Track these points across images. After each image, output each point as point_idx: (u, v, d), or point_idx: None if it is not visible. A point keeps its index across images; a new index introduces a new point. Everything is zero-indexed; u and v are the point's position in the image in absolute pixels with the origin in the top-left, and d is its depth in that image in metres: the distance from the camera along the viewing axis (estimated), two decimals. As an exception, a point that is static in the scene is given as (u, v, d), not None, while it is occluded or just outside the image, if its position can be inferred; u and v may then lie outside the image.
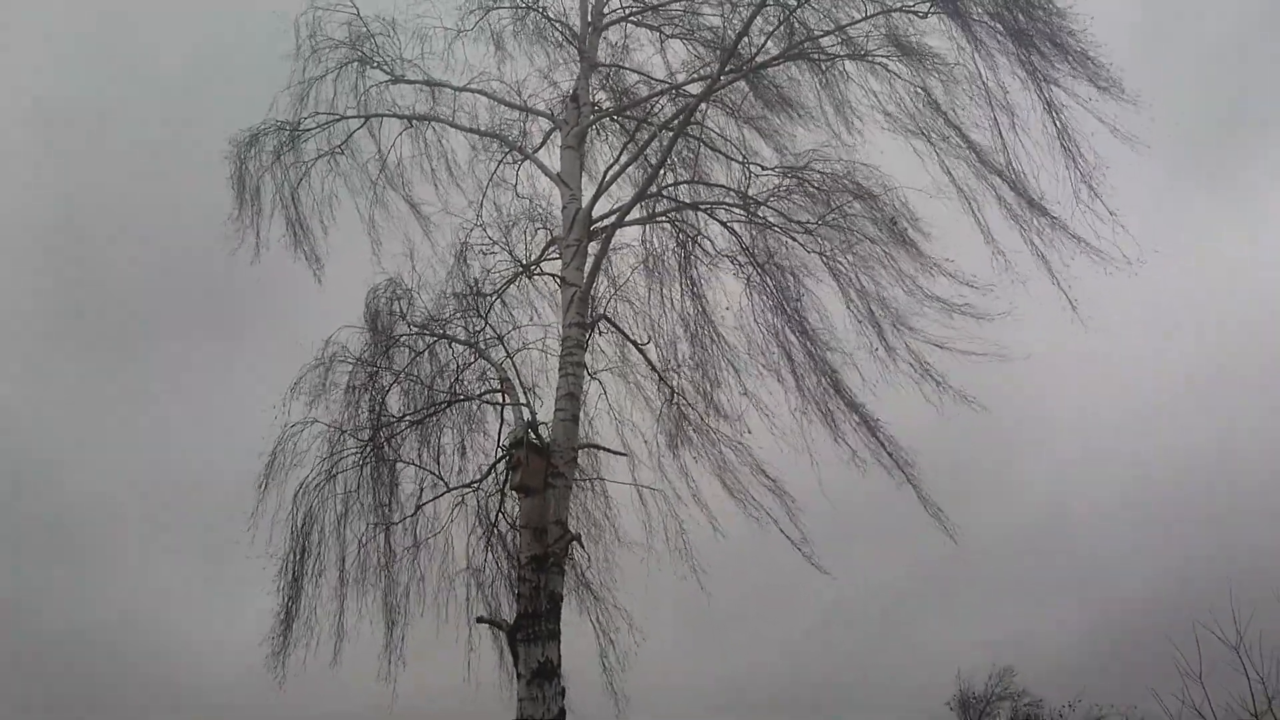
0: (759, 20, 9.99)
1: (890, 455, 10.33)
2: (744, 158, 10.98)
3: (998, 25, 9.41)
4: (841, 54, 10.24)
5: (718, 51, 11.23)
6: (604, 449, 10.70)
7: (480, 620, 9.68)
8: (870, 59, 10.20)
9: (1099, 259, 9.38)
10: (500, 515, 10.77)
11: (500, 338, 10.56)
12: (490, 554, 11.05)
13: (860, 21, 10.00)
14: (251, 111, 12.09)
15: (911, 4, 9.63)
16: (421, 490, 10.67)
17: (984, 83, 9.74)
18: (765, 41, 10.10)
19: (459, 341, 10.89)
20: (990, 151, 9.95)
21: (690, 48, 12.21)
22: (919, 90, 10.15)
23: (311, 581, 10.25)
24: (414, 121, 12.45)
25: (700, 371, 11.28)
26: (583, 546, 10.08)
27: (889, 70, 10.17)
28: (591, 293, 10.33)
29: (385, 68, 12.35)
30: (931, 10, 9.55)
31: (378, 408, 10.65)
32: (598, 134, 12.32)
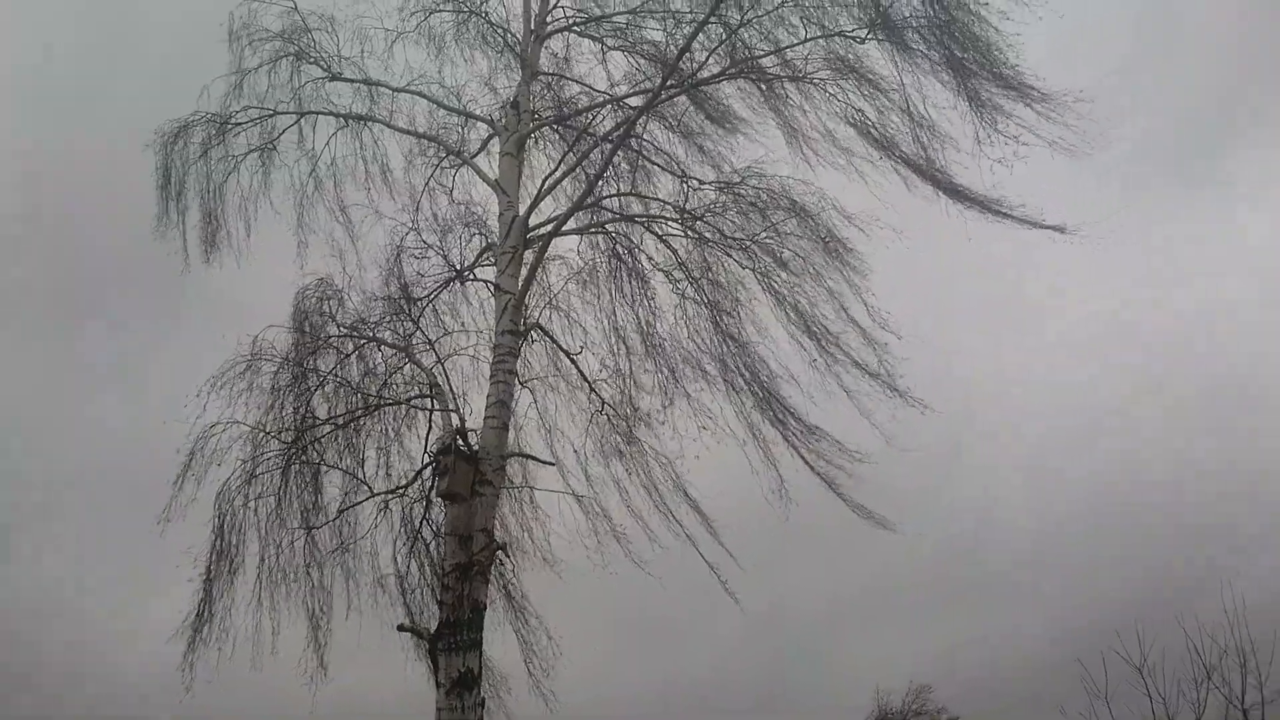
0: (701, 37, 10.10)
1: (817, 473, 10.48)
2: (682, 172, 11.03)
3: (934, 53, 9.64)
4: (781, 75, 10.39)
5: (659, 65, 11.30)
6: (533, 458, 10.68)
7: (401, 628, 9.57)
8: (809, 80, 10.36)
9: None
10: (425, 522, 10.69)
11: (431, 343, 10.48)
12: (415, 561, 10.95)
13: (799, 44, 10.18)
14: (184, 100, 11.87)
15: (850, 30, 9.83)
16: (345, 495, 10.52)
17: (915, 105, 9.98)
18: (707, 58, 10.20)
19: (389, 345, 10.77)
20: (925, 167, 10.19)
21: (632, 60, 12.25)
22: (856, 111, 10.33)
23: (228, 583, 10.05)
24: (350, 121, 12.26)
25: (633, 383, 11.29)
26: (508, 555, 10.03)
27: (827, 92, 10.33)
28: (525, 301, 10.29)
29: (322, 64, 12.17)
30: (869, 37, 9.76)
31: (303, 409, 10.46)
32: (537, 142, 12.30)
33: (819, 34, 10.01)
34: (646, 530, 11.02)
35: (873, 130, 10.27)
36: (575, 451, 11.17)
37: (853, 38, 9.92)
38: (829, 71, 10.19)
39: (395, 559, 10.62)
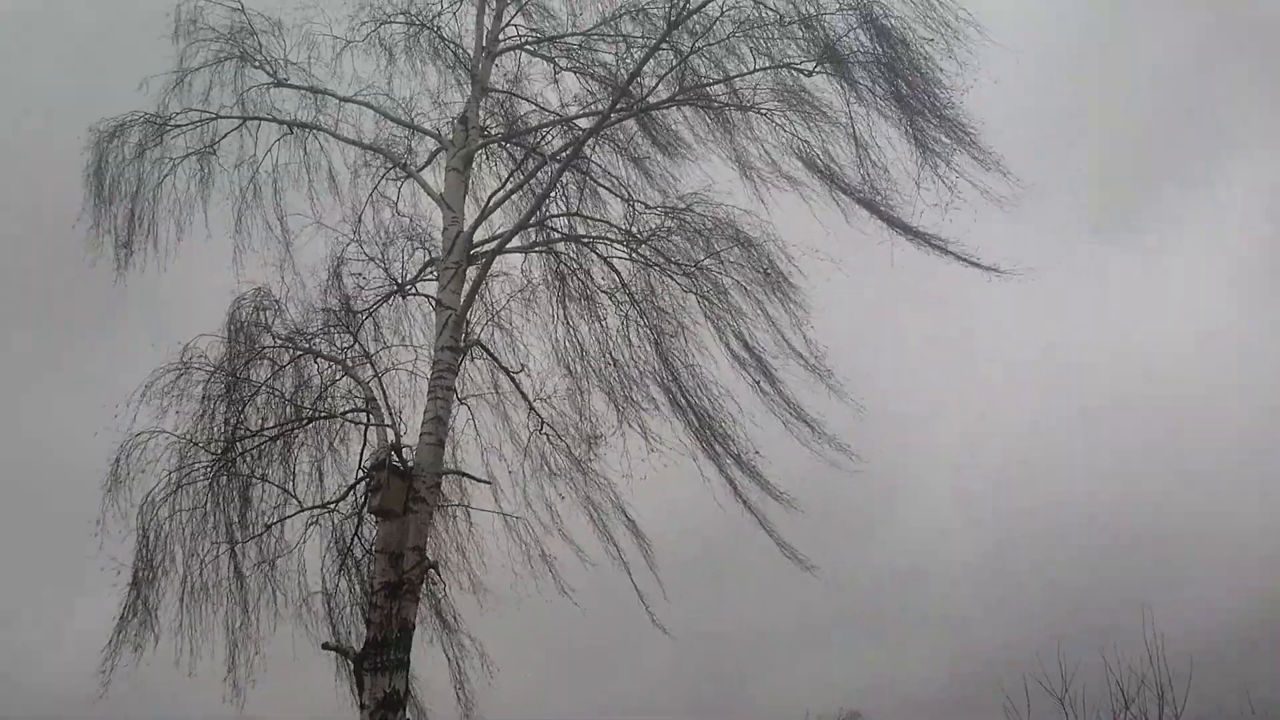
0: (652, 62, 10.19)
1: (745, 503, 10.54)
2: (629, 195, 11.08)
3: (879, 88, 9.82)
4: (729, 103, 10.51)
5: (610, 88, 11.36)
6: (468, 476, 10.56)
7: (326, 647, 9.37)
8: (757, 110, 10.49)
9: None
10: (357, 539, 10.51)
11: (369, 356, 10.33)
12: (345, 579, 10.76)
13: (749, 74, 10.31)
14: (121, 92, 11.61)
15: (798, 62, 9.99)
16: (275, 508, 10.30)
17: (862, 136, 10.15)
18: (657, 84, 10.29)
19: (325, 357, 10.58)
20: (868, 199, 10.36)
21: (583, 82, 12.31)
22: (802, 142, 10.48)
23: (152, 596, 9.76)
24: (294, 128, 12.09)
25: (571, 404, 11.26)
26: (439, 574, 9.90)
27: (774, 122, 10.46)
28: (467, 317, 10.22)
29: (268, 69, 12.01)
30: (817, 69, 9.92)
31: (234, 420, 10.23)
32: (485, 159, 12.25)
33: (767, 64, 10.16)
34: (579, 554, 10.99)
35: (817, 161, 10.43)
36: (511, 472, 11.11)
37: (800, 70, 10.08)
38: (776, 102, 10.34)
39: (324, 576, 10.41)
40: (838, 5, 9.63)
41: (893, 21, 9.62)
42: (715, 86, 10.46)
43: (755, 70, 10.25)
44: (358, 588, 10.48)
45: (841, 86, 9.89)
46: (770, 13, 9.86)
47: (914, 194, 9.81)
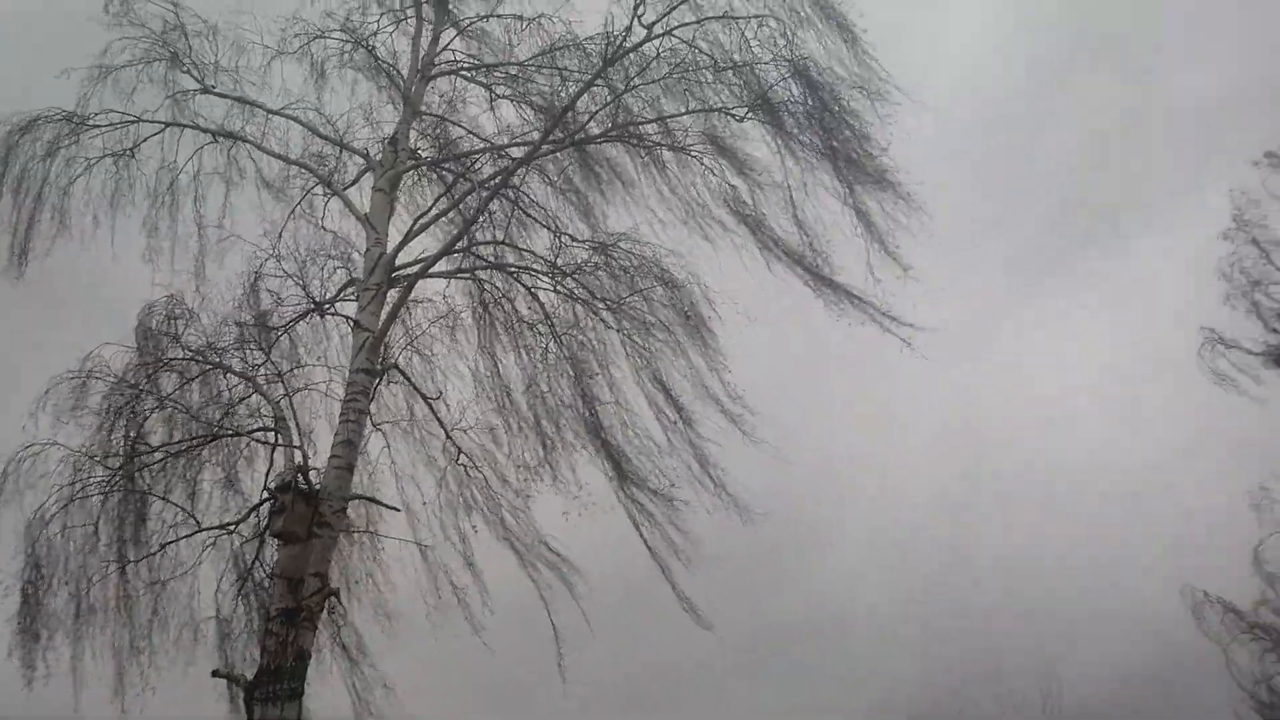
0: (586, 97, 10.25)
1: (650, 551, 10.52)
2: (557, 227, 11.05)
3: (806, 138, 10.01)
4: (661, 143, 10.59)
5: (545, 118, 11.36)
6: (376, 502, 10.33)
7: (216, 674, 9.02)
8: (688, 152, 10.59)
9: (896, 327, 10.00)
10: (258, 562, 10.21)
11: (281, 374, 10.09)
12: (242, 603, 10.43)
13: (682, 115, 10.41)
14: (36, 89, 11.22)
15: (731, 107, 10.12)
16: (171, 528, 9.95)
17: (791, 186, 10.31)
18: (589, 119, 10.33)
19: (235, 373, 10.32)
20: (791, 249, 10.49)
21: (519, 111, 12.29)
22: (730, 187, 10.60)
23: (39, 618, 9.38)
24: (220, 137, 11.82)
25: (490, 434, 11.13)
26: (340, 602, 9.64)
27: (704, 165, 10.58)
28: (386, 340, 10.06)
29: (196, 74, 11.74)
30: (748, 115, 10.07)
31: (134, 434, 9.89)
32: (414, 182, 12.14)
33: (700, 108, 10.27)
34: (482, 591, 10.83)
35: (744, 208, 10.56)
36: (425, 503, 10.92)
37: (732, 115, 10.21)
38: (707, 145, 10.45)
39: (217, 599, 10.09)
40: (771, 55, 9.80)
41: (823, 76, 9.81)
42: (648, 126, 10.52)
43: (688, 112, 10.36)
44: (256, 614, 10.17)
45: (771, 134, 10.05)
46: (705, 57, 9.99)
47: (841, 244, 9.99)
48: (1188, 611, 15.86)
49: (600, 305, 10.83)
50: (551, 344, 10.99)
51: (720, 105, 10.34)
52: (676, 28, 9.83)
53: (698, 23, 9.84)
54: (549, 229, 11.05)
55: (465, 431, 11.02)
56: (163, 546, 9.80)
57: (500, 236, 10.98)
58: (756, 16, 9.69)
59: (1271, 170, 16.12)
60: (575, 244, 10.94)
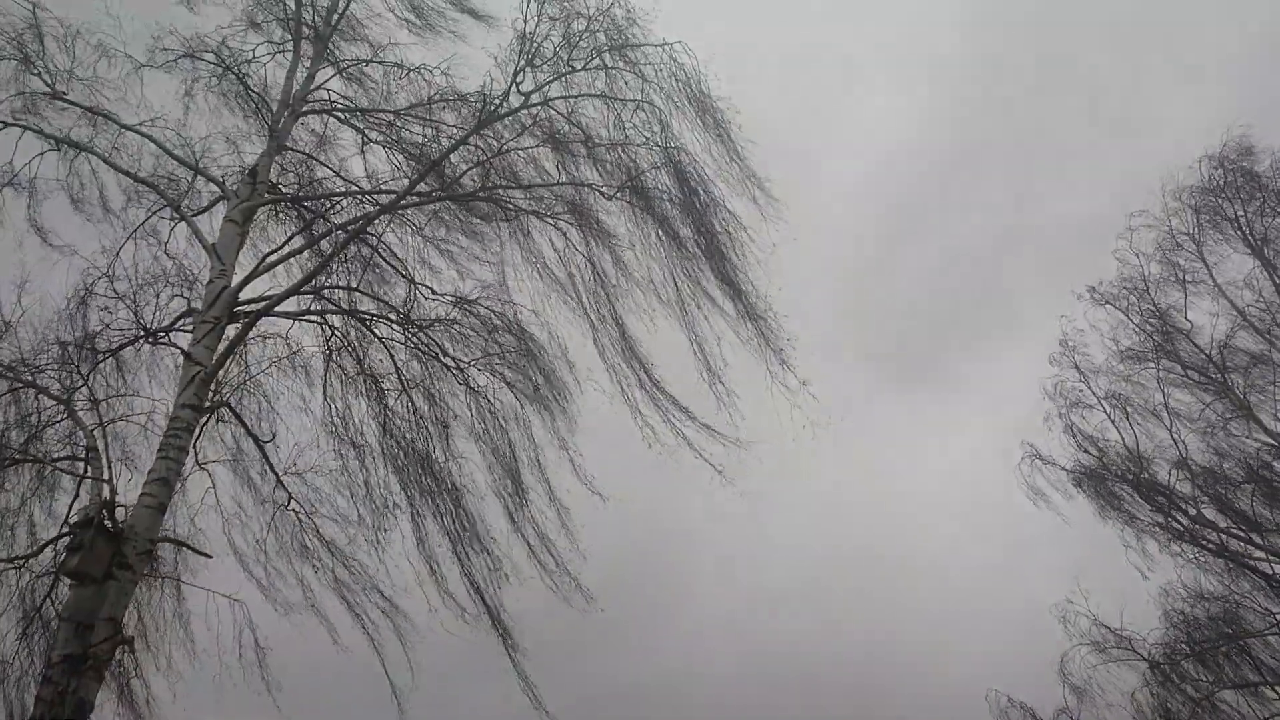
0: (460, 151, 10.25)
1: (499, 626, 10.32)
2: (414, 278, 10.90)
3: (668, 227, 10.27)
4: (528, 209, 10.65)
5: (415, 168, 11.28)
6: (188, 546, 9.73)
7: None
8: (553, 221, 10.68)
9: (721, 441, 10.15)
10: (50, 601, 9.45)
11: (97, 401, 9.49)
12: (26, 645, 9.61)
13: (552, 185, 10.53)
14: None
15: (601, 185, 10.31)
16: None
17: (650, 273, 10.53)
18: (461, 175, 10.32)
19: (48, 394, 9.64)
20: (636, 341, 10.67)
21: (390, 157, 12.15)
22: (589, 262, 10.73)
23: None
24: (64, 146, 11.21)
25: (327, 481, 10.73)
26: (133, 652, 8.98)
27: (568, 239, 10.68)
28: (219, 377, 9.60)
29: (47, 78, 11.14)
30: (616, 195, 10.27)
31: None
32: (270, 217, 11.75)
33: (570, 181, 10.42)
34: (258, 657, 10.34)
35: (603, 286, 10.68)
36: (251, 547, 10.41)
37: (601, 192, 10.39)
38: (573, 217, 10.57)
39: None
40: (644, 139, 10.06)
41: (693, 168, 10.13)
42: (516, 191, 10.58)
43: (557, 183, 10.48)
44: (40, 658, 9.39)
45: (638, 217, 10.26)
46: (577, 131, 10.17)
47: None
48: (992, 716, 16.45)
49: (451, 362, 10.69)
50: (399, 399, 10.73)
51: (589, 181, 10.53)
52: (554, 99, 9.99)
53: (574, 98, 10.03)
54: (406, 278, 10.90)
55: (300, 475, 10.62)
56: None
57: (354, 283, 10.75)
58: (633, 101, 9.96)
59: (1093, 304, 17.59)
60: (434, 297, 10.81)
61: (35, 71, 11.14)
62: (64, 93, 11.17)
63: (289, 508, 10.57)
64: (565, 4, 10.03)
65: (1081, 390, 17.13)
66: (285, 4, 12.63)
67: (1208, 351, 16.40)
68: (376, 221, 10.20)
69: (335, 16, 12.66)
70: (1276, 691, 14.36)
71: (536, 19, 9.76)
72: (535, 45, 9.76)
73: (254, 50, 12.38)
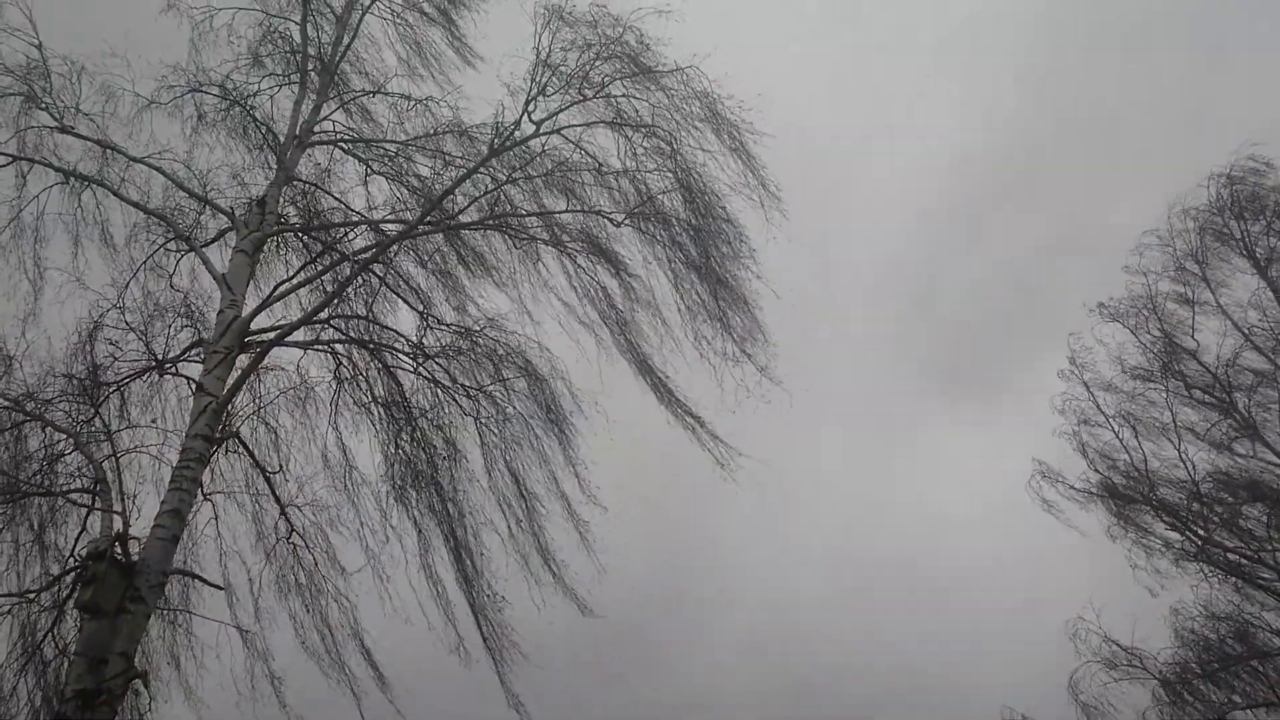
0: (467, 182, 10.29)
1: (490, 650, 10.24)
2: (424, 309, 10.90)
3: (679, 252, 10.30)
4: (539, 237, 10.68)
5: (421, 199, 11.32)
6: (200, 579, 9.63)
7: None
8: (563, 249, 10.71)
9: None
10: (52, 635, 9.33)
11: (109, 433, 9.44)
12: (24, 680, 9.49)
13: (560, 212, 10.57)
14: None
15: (609, 211, 10.34)
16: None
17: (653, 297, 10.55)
18: (469, 205, 10.35)
19: (56, 427, 9.59)
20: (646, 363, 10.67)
21: (395, 189, 12.18)
22: (600, 288, 10.74)
23: None
24: (73, 178, 11.23)
25: (327, 515, 10.66)
26: (148, 687, 8.87)
27: (578, 264, 10.70)
28: (230, 408, 9.57)
29: (54, 113, 11.18)
30: (624, 222, 10.31)
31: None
32: (278, 247, 11.77)
33: (580, 208, 10.44)
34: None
35: (613, 310, 10.69)
36: (249, 579, 10.31)
37: (610, 219, 10.43)
38: (582, 244, 10.59)
39: (-1, 674, 9.15)
40: (655, 165, 10.10)
41: (704, 186, 10.17)
42: (528, 219, 10.61)
43: (567, 210, 10.51)
44: (39, 695, 9.26)
45: (645, 243, 10.30)
46: (589, 159, 10.22)
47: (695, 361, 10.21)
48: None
49: (460, 391, 10.66)
50: (405, 429, 10.69)
51: (599, 208, 10.57)
52: (565, 128, 10.04)
53: (586, 125, 10.09)
54: (416, 309, 10.90)
55: (300, 509, 10.55)
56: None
57: (364, 312, 10.75)
58: (645, 126, 10.01)
59: (1101, 319, 17.60)
60: (441, 326, 10.80)
61: (43, 106, 11.18)
62: (72, 127, 11.21)
63: (289, 539, 10.51)
64: (579, 30, 10.13)
65: (1090, 408, 17.11)
66: (291, 39, 12.72)
67: (1214, 370, 16.41)
68: (386, 252, 10.20)
69: (340, 50, 12.75)
70: (1291, 712, 14.27)
71: (549, 47, 9.86)
72: (550, 72, 9.83)
73: (259, 83, 12.46)
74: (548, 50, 9.98)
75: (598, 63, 10.19)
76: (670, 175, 10.09)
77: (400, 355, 10.86)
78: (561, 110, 10.00)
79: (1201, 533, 15.42)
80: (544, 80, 9.93)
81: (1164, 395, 16.51)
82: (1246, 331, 16.39)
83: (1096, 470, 16.58)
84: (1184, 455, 15.90)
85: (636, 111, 10.19)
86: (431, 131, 11.93)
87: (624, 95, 10.21)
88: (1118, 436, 16.56)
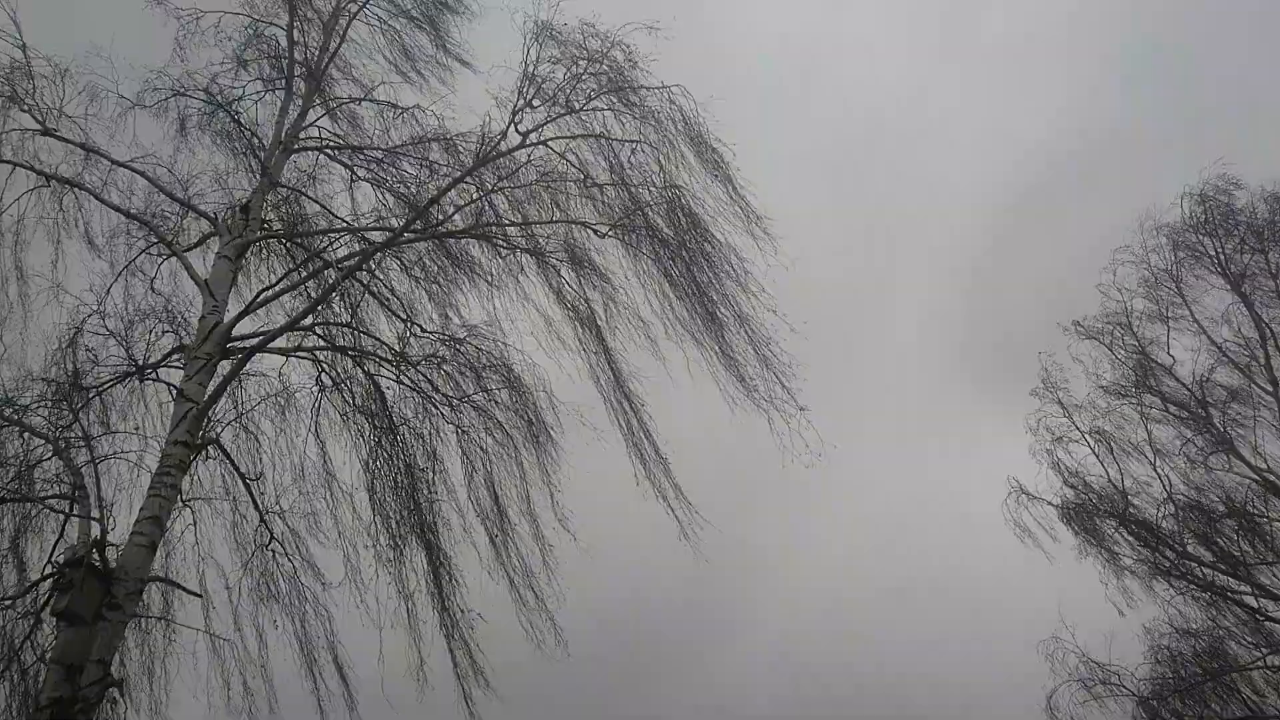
0: (453, 191, 10.29)
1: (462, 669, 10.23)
2: (408, 317, 10.88)
3: (662, 265, 10.32)
4: (522, 246, 10.68)
5: (407, 206, 11.30)
6: (178, 586, 9.61)
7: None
8: (545, 259, 10.71)
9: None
10: (29, 643, 9.26)
11: (88, 439, 9.38)
12: (1, 687, 9.40)
13: (544, 222, 10.58)
14: None
15: (593, 223, 10.37)
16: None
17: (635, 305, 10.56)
18: (454, 213, 10.36)
19: (35, 433, 9.53)
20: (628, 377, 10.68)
21: (380, 196, 12.15)
22: (582, 300, 10.75)
23: None
24: (54, 181, 11.15)
25: (307, 522, 10.61)
26: (123, 695, 8.82)
27: (561, 276, 10.71)
28: (210, 414, 9.52)
29: (37, 115, 11.10)
30: (609, 233, 10.33)
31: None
32: (261, 253, 11.72)
33: (564, 219, 10.47)
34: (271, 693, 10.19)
35: (596, 324, 10.70)
36: (228, 586, 10.26)
37: (594, 230, 10.46)
38: (565, 254, 10.61)
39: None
40: (641, 178, 10.14)
41: (689, 202, 10.21)
42: (511, 228, 10.62)
43: (552, 221, 10.53)
44: (16, 704, 9.18)
45: (631, 255, 10.32)
46: (574, 170, 10.25)
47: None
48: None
49: (441, 399, 10.65)
50: (384, 439, 10.65)
51: (583, 219, 10.59)
52: (551, 139, 10.07)
53: (572, 138, 10.12)
54: (399, 317, 10.88)
55: (280, 516, 10.50)
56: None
57: (347, 318, 10.72)
58: (631, 141, 10.06)
59: (1077, 338, 17.75)
60: (425, 334, 10.79)
61: (25, 108, 11.10)
62: (54, 130, 11.14)
63: (268, 546, 10.46)
64: (566, 47, 10.18)
65: (1065, 425, 17.22)
66: (277, 43, 12.68)
67: (1189, 386, 16.59)
68: (371, 259, 10.19)
69: (327, 56, 12.73)
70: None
71: (536, 61, 9.91)
72: (536, 86, 9.87)
73: (244, 88, 12.40)
74: (535, 64, 10.03)
75: (585, 78, 10.23)
76: (656, 190, 10.13)
77: (383, 363, 10.83)
78: (549, 122, 10.04)
79: (1177, 548, 15.56)
80: (530, 94, 9.98)
81: (1139, 412, 16.67)
82: (1220, 345, 16.60)
83: (1072, 487, 16.69)
84: (1160, 471, 16.06)
85: (623, 125, 10.24)
86: (419, 138, 11.92)
87: (609, 109, 10.26)
88: (1094, 453, 16.69)
